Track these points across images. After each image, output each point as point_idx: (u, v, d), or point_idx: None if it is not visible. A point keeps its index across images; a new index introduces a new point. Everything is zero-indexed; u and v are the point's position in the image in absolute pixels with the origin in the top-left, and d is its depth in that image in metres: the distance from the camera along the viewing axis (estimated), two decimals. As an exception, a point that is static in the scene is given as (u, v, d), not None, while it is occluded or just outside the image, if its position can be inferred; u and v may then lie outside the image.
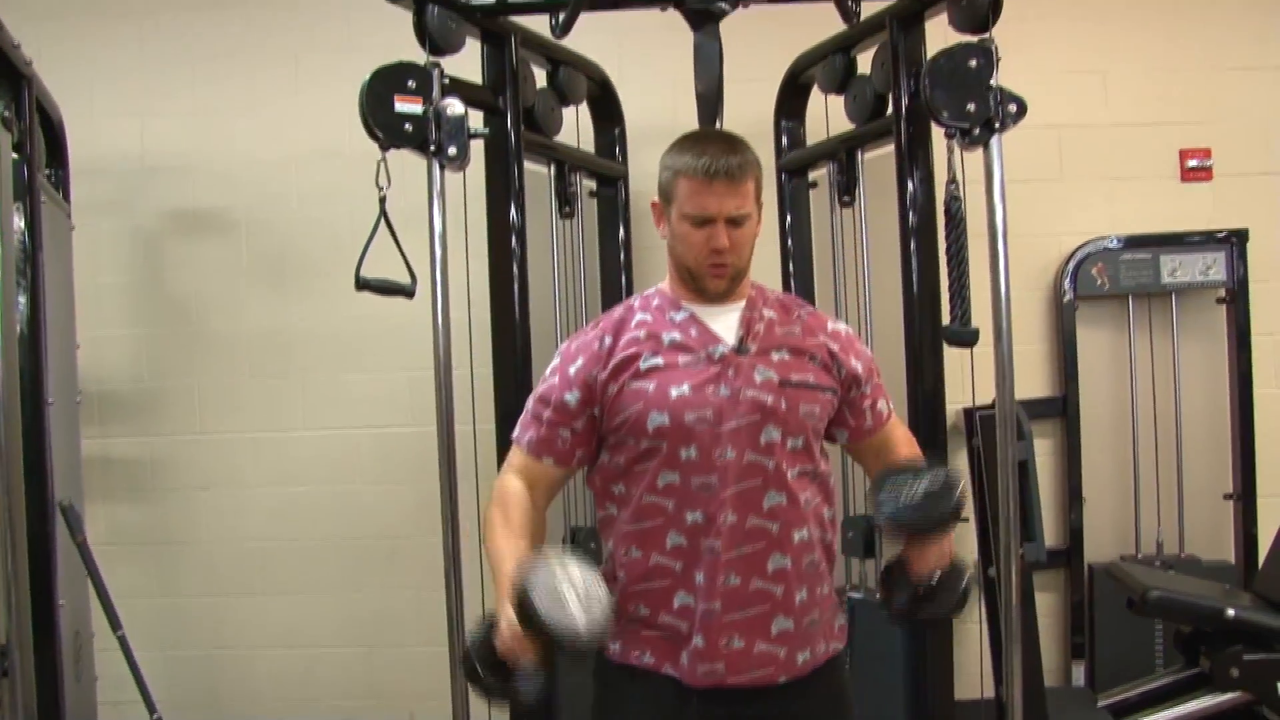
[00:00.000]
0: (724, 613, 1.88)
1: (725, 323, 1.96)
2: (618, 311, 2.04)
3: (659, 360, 1.92)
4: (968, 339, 2.77)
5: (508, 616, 1.74)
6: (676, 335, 1.94)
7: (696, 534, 1.88)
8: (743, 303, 1.99)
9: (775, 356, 1.94)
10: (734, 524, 1.87)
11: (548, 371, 2.03)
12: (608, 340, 1.96)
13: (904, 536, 1.96)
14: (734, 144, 1.93)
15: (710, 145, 1.90)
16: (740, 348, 1.93)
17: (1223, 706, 3.33)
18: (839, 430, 2.08)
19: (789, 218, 3.66)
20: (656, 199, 1.99)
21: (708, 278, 1.93)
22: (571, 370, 1.97)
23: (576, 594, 1.68)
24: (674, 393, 1.88)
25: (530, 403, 2.03)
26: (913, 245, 3.02)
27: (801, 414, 1.93)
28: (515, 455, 2.04)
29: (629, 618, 1.94)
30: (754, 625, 1.89)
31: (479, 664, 1.81)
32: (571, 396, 1.95)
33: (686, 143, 1.95)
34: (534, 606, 1.66)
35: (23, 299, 3.14)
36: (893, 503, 1.88)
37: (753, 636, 1.89)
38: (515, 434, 2.04)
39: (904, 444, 2.17)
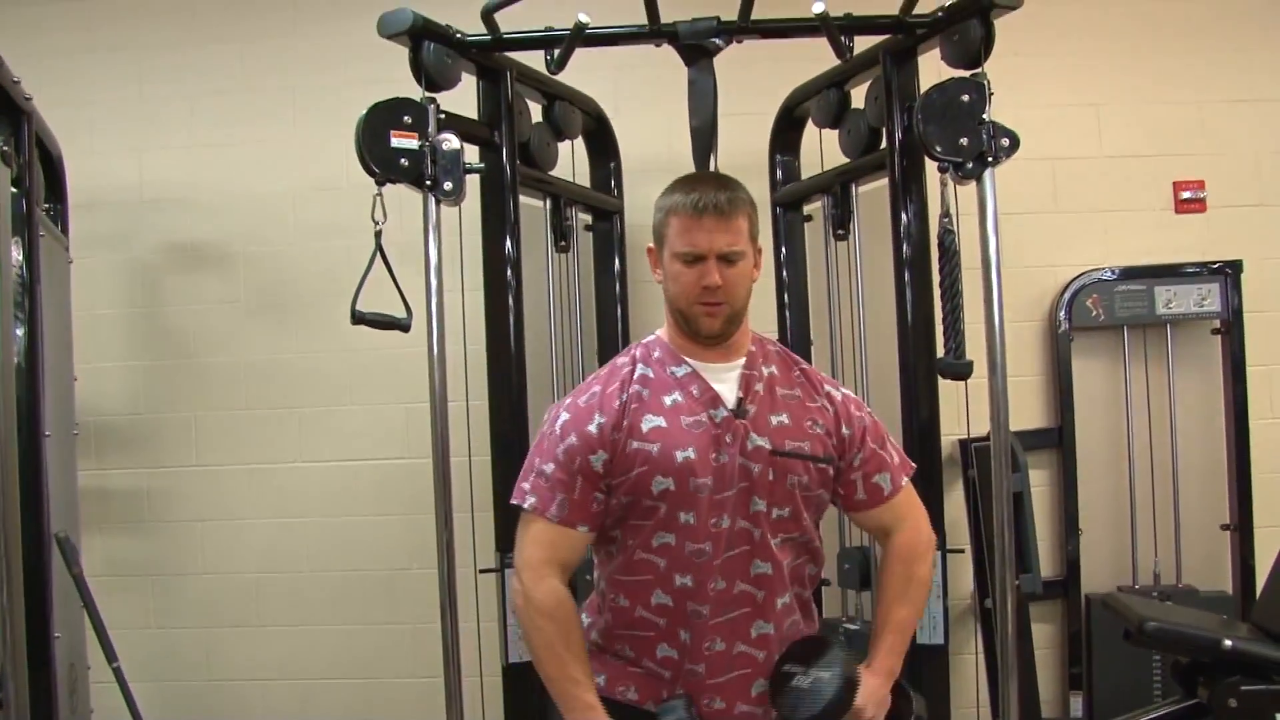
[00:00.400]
0: (707, 676, 1.88)
1: (726, 381, 1.92)
2: (620, 363, 1.99)
3: (661, 421, 1.88)
4: (961, 371, 2.78)
5: None
6: (678, 395, 1.90)
7: (684, 597, 1.87)
8: (743, 360, 1.95)
9: (774, 420, 1.91)
10: (722, 590, 1.86)
11: (557, 430, 1.92)
12: (623, 397, 1.90)
13: None
14: (725, 182, 1.93)
15: (700, 183, 1.91)
16: (739, 410, 1.89)
17: (1221, 738, 3.32)
18: (834, 497, 2.02)
19: (784, 251, 3.68)
20: (651, 244, 1.97)
21: (701, 317, 1.89)
22: (592, 429, 1.88)
23: None
24: (679, 456, 1.85)
25: (544, 467, 1.92)
26: (907, 278, 3.03)
27: (788, 484, 1.89)
28: (540, 531, 1.91)
29: (614, 654, 1.95)
30: (736, 687, 1.89)
31: None
32: (598, 459, 1.88)
33: (678, 183, 1.95)
34: None
35: (20, 331, 3.15)
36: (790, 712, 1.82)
37: (734, 699, 1.89)
38: (530, 504, 1.91)
39: (901, 556, 2.02)
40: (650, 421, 1.87)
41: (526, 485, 1.93)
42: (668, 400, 1.89)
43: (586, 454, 1.88)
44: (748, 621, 1.89)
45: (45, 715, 3.16)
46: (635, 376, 1.93)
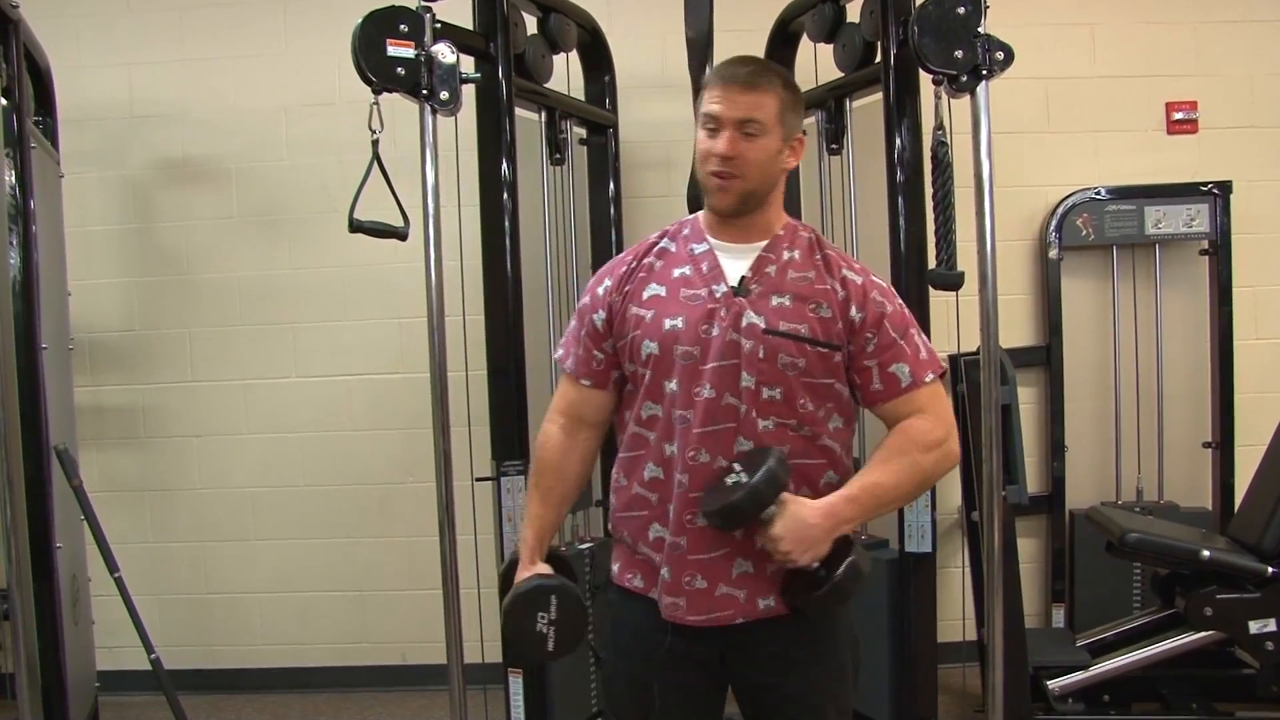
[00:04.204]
0: (689, 550, 1.88)
1: (740, 261, 1.92)
2: (652, 237, 2.04)
3: (661, 290, 1.93)
4: (953, 282, 2.80)
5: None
6: (688, 269, 1.93)
7: (670, 467, 1.89)
8: (765, 243, 1.93)
9: (774, 302, 1.87)
10: (704, 463, 1.86)
11: (584, 291, 2.07)
12: (632, 263, 1.99)
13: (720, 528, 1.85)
14: (759, 61, 1.96)
15: (737, 61, 1.92)
16: (739, 289, 1.89)
17: (1196, 645, 3.43)
18: (853, 389, 1.94)
19: (777, 166, 3.67)
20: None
21: (713, 190, 1.89)
22: (600, 290, 2.00)
23: (548, 621, 1.96)
24: (667, 324, 1.89)
25: (571, 323, 2.07)
26: (900, 192, 3.05)
27: (780, 364, 1.85)
28: (561, 383, 2.09)
29: (621, 540, 2.01)
30: (716, 566, 1.89)
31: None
32: (598, 317, 1.98)
33: (719, 65, 1.99)
34: (506, 628, 2.00)
35: (14, 244, 3.15)
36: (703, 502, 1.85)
37: (715, 578, 1.89)
38: (558, 356, 2.09)
39: (909, 435, 1.91)
40: (651, 290, 1.93)
41: (563, 339, 2.10)
42: (675, 273, 1.94)
43: (590, 313, 1.99)
44: None
45: (50, 626, 3.21)
46: (656, 249, 1.99)
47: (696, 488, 1.86)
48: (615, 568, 2.04)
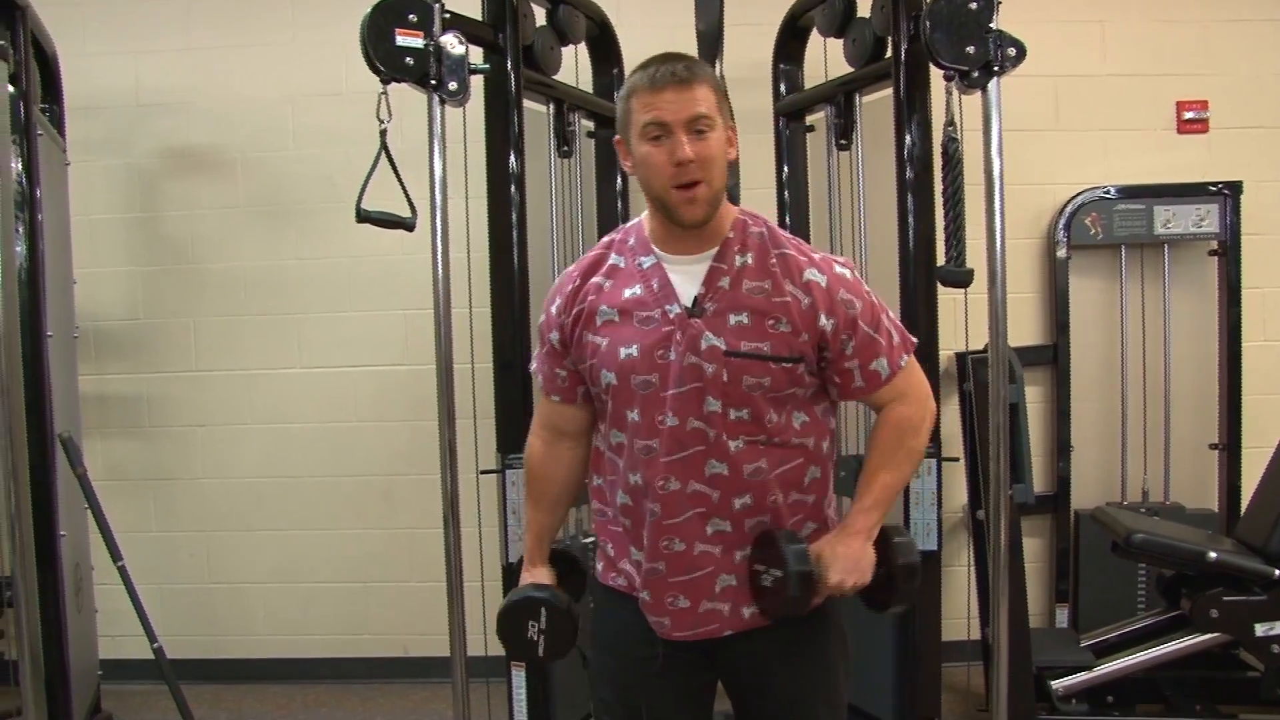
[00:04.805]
0: (668, 574, 1.87)
1: (691, 276, 1.83)
2: (596, 251, 1.96)
3: (614, 314, 1.85)
4: (962, 279, 2.79)
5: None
6: (638, 289, 1.84)
7: (639, 496, 1.87)
8: (715, 250, 1.83)
9: (733, 320, 1.80)
10: (675, 490, 1.82)
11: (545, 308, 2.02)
12: (578, 282, 1.92)
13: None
14: (681, 56, 1.81)
15: (655, 61, 1.79)
16: (694, 309, 1.81)
17: (1201, 647, 3.41)
18: (830, 387, 1.91)
19: (786, 160, 3.67)
20: (619, 135, 1.87)
21: (681, 205, 1.78)
22: (553, 309, 1.95)
23: (538, 629, 2.00)
24: (623, 353, 1.82)
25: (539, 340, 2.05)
26: (909, 188, 3.02)
27: (745, 386, 1.80)
28: (538, 397, 2.09)
29: (603, 548, 2.02)
30: (697, 586, 1.87)
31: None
32: (554, 337, 1.95)
33: (635, 69, 1.83)
34: (500, 633, 2.04)
35: (21, 230, 3.14)
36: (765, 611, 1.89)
37: (698, 596, 1.87)
38: (532, 368, 2.07)
39: (896, 425, 1.93)
40: (604, 314, 1.85)
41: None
42: (627, 293, 1.84)
43: (547, 332, 1.97)
44: (702, 521, 1.85)
45: (53, 614, 3.21)
46: (605, 265, 1.90)
47: (670, 515, 1.83)
48: (600, 566, 2.04)
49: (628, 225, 1.96)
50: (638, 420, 1.83)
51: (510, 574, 3.02)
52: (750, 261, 1.83)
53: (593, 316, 1.87)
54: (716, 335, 1.79)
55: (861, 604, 1.96)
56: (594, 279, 1.90)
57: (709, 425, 1.80)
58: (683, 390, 1.79)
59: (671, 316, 1.81)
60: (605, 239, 1.99)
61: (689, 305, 1.81)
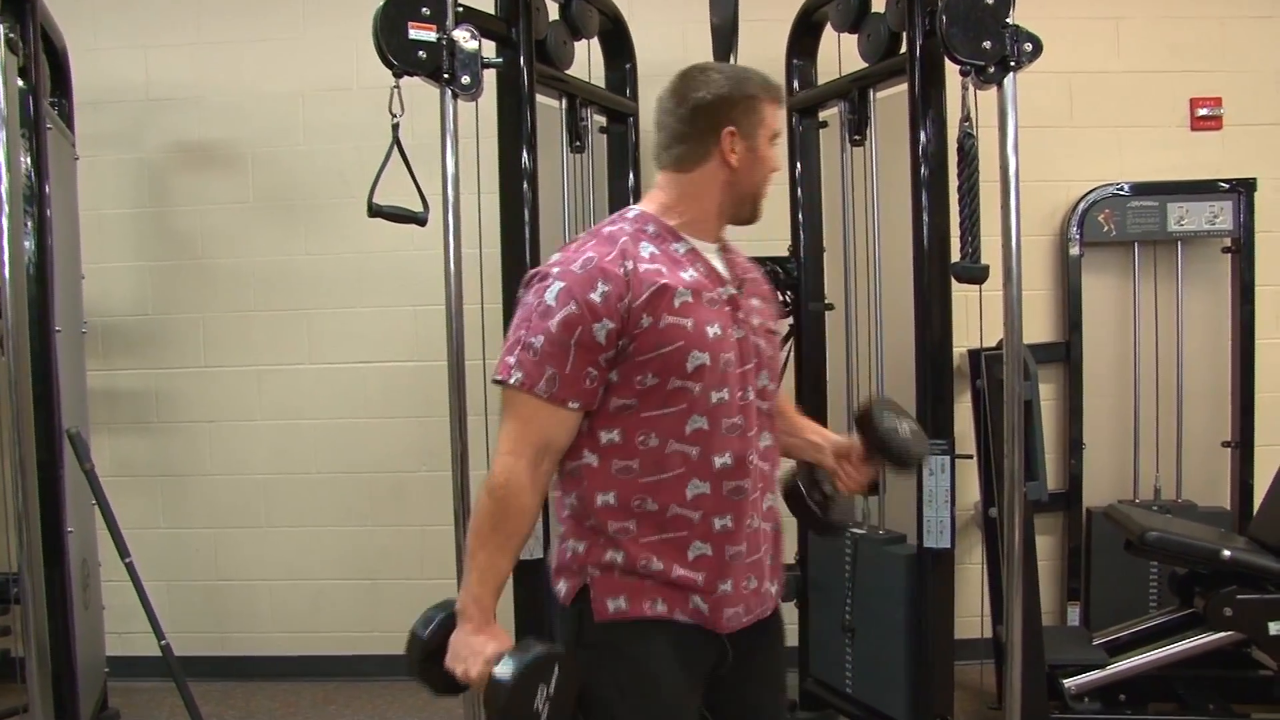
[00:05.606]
0: (748, 554, 1.85)
1: (716, 261, 1.88)
2: (610, 232, 1.83)
3: (688, 295, 1.78)
4: (977, 275, 2.78)
5: (479, 654, 1.74)
6: (691, 271, 1.82)
7: (724, 478, 1.80)
8: (719, 242, 1.93)
9: (755, 303, 1.92)
10: (756, 467, 1.84)
11: (550, 300, 1.74)
12: (630, 265, 1.75)
13: (889, 464, 2.03)
14: None
15: (759, 75, 1.91)
16: (740, 289, 1.88)
17: (1215, 645, 3.40)
18: None
19: (800, 156, 3.65)
20: (732, 128, 1.83)
21: (760, 203, 1.92)
22: (595, 296, 1.71)
23: (546, 695, 1.71)
24: (710, 332, 1.78)
25: (531, 340, 1.73)
26: (924, 184, 3.00)
27: (779, 360, 1.95)
28: (525, 410, 1.75)
29: (635, 573, 1.79)
30: (761, 565, 1.89)
31: (424, 659, 1.83)
32: (601, 328, 1.71)
33: (743, 71, 1.90)
34: (503, 705, 1.70)
35: (30, 225, 3.13)
36: (895, 434, 1.99)
37: (762, 576, 1.89)
38: (516, 380, 1.73)
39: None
40: (681, 296, 1.77)
41: (511, 359, 1.74)
42: (685, 275, 1.80)
43: (589, 322, 1.71)
44: (764, 497, 1.89)
45: (60, 610, 3.20)
46: (642, 250, 1.79)
47: (754, 491, 1.85)
48: (621, 601, 1.79)
49: (629, 216, 1.87)
50: (726, 400, 1.81)
51: (524, 574, 2.97)
52: (734, 255, 1.96)
53: (668, 295, 1.75)
54: (756, 313, 1.90)
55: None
56: (644, 265, 1.76)
57: (762, 399, 1.88)
58: (748, 368, 1.85)
59: (725, 297, 1.85)
60: (609, 225, 1.86)
61: (735, 285, 1.88)
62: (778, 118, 1.88)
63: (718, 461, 1.81)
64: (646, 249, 1.80)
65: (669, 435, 1.78)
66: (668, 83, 1.88)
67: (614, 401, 1.77)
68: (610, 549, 1.79)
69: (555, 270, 1.77)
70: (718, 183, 1.87)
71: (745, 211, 1.91)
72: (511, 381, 1.74)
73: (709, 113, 1.83)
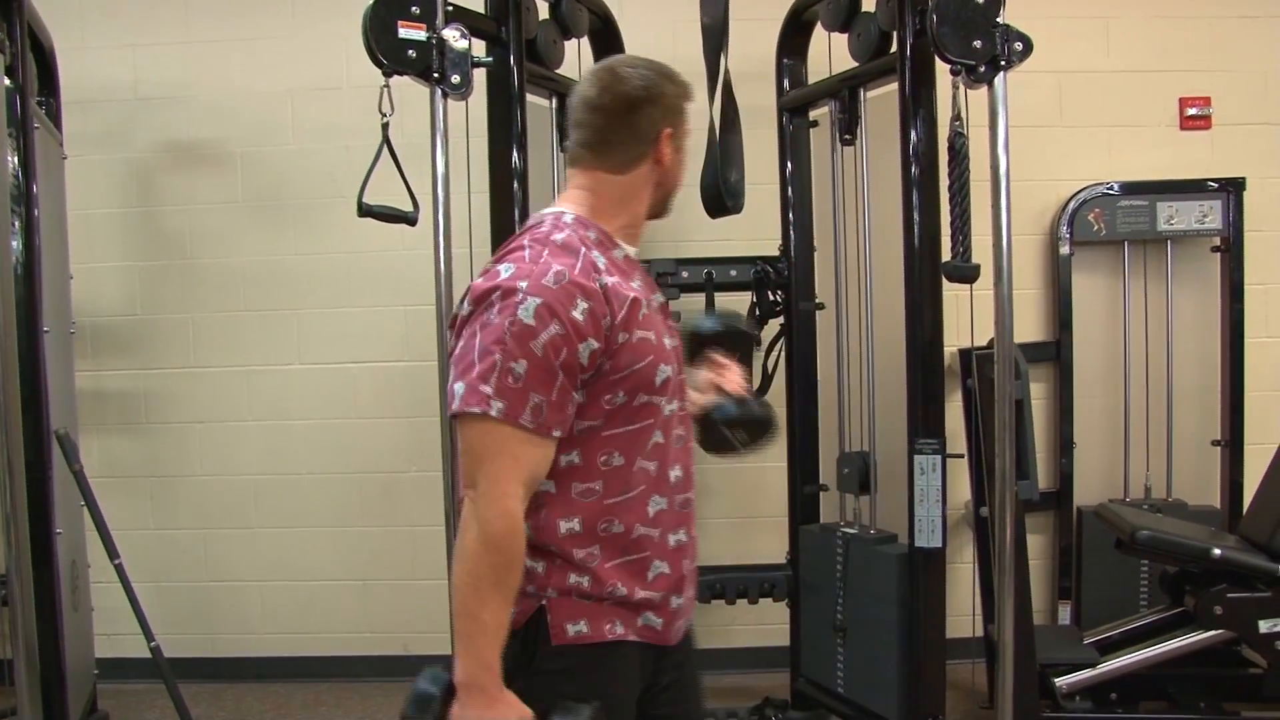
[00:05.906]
0: (691, 565, 1.83)
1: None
2: (575, 247, 1.67)
3: (644, 308, 1.70)
4: (968, 275, 2.78)
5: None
6: (637, 279, 1.74)
7: (676, 491, 1.76)
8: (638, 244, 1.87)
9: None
10: (691, 475, 1.82)
11: (526, 318, 1.56)
12: (602, 278, 1.63)
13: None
14: None
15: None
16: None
17: (1205, 644, 3.40)
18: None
19: (790, 156, 3.65)
20: (669, 129, 1.77)
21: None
22: (578, 313, 1.58)
23: None
24: (668, 344, 1.75)
25: (512, 364, 1.56)
26: (914, 184, 3.01)
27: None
28: (512, 445, 1.58)
29: (600, 598, 1.69)
30: (695, 574, 1.85)
31: None
32: (586, 347, 1.59)
33: (660, 68, 1.80)
34: None
35: (17, 224, 3.12)
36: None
37: (694, 584, 1.85)
38: (499, 410, 1.55)
39: None
40: (644, 308, 1.69)
41: (489, 388, 1.55)
42: (635, 284, 1.71)
43: (575, 343, 1.58)
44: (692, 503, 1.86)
45: (49, 611, 3.17)
46: (598, 261, 1.67)
47: (693, 502, 1.83)
48: (582, 625, 1.68)
49: (566, 220, 1.72)
50: (676, 410, 1.77)
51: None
52: None
53: (637, 312, 1.66)
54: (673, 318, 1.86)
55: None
56: (609, 277, 1.65)
57: (686, 404, 1.84)
58: (682, 376, 1.81)
59: (659, 304, 1.80)
60: (560, 237, 1.69)
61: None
62: (690, 116, 1.84)
63: (672, 475, 1.76)
64: (600, 259, 1.67)
65: (635, 452, 1.70)
66: (587, 79, 1.78)
67: (578, 424, 1.65)
68: (574, 573, 1.68)
69: (523, 285, 1.58)
70: (650, 184, 1.80)
71: (661, 211, 1.85)
72: (493, 414, 1.55)
73: (647, 114, 1.75)
